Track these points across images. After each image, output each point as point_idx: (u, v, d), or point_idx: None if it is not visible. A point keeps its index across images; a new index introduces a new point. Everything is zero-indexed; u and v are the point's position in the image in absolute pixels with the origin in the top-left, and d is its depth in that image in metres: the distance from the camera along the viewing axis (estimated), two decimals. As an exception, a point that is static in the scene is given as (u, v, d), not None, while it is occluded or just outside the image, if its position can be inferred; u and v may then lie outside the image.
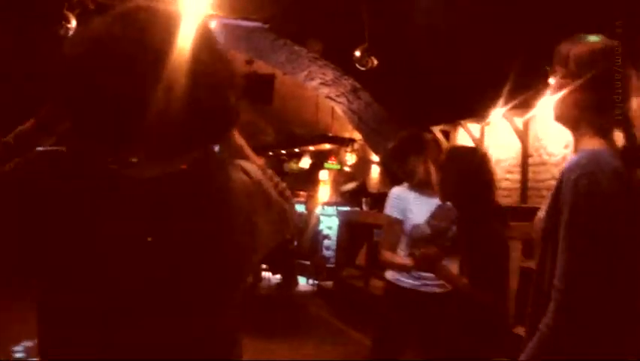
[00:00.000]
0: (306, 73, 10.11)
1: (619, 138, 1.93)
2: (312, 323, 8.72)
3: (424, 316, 3.81)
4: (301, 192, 13.76)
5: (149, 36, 1.15)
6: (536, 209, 5.92)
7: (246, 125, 10.31)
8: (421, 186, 3.91)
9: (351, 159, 13.95)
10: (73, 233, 1.17)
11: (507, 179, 8.57)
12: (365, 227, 9.38)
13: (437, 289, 3.73)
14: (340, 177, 14.65)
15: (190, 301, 1.24)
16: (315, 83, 10.39)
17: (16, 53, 8.20)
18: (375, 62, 7.67)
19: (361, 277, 9.16)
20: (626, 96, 1.89)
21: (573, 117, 1.96)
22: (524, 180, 8.03)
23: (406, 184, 4.01)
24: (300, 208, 11.78)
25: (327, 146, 14.64)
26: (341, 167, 14.45)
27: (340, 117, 12.11)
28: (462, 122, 9.47)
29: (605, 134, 1.90)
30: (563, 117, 2.00)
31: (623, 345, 1.78)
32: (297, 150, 16.12)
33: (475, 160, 3.17)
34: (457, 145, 3.34)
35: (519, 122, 8.10)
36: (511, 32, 6.82)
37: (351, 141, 13.65)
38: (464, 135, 9.73)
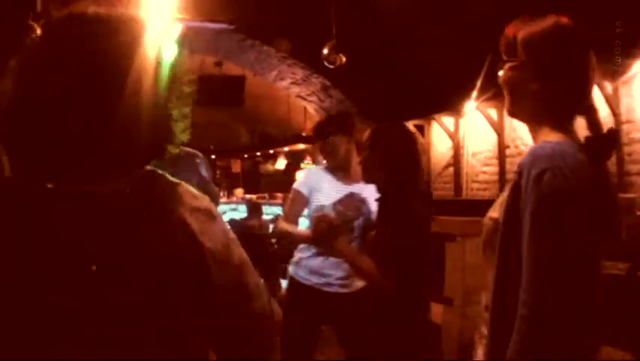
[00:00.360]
0: (275, 73, 9.99)
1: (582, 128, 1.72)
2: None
3: (328, 318, 3.65)
4: (278, 194, 13.60)
5: (88, 48, 1.09)
6: None
7: (219, 127, 10.27)
8: (338, 170, 3.69)
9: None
10: (9, 259, 1.06)
11: (484, 172, 8.50)
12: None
13: (342, 290, 3.55)
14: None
15: (140, 335, 1.12)
16: (285, 82, 10.28)
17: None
18: (344, 59, 7.54)
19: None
20: (586, 81, 1.67)
21: (528, 111, 1.71)
22: (502, 172, 7.96)
23: (324, 164, 3.82)
24: (277, 210, 11.62)
25: (301, 146, 14.51)
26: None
27: (313, 116, 12.00)
28: (436, 116, 9.40)
29: (566, 126, 1.66)
30: (516, 112, 1.75)
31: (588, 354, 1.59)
32: (271, 151, 15.97)
33: (401, 139, 2.93)
34: (383, 124, 3.04)
35: (493, 113, 8.03)
36: (483, 23, 6.72)
37: (326, 139, 13.52)
38: (438, 129, 9.67)
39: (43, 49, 1.11)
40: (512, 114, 1.77)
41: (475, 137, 8.69)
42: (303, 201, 3.71)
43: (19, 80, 1.10)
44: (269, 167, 16.88)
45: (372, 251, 2.77)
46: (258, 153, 16.46)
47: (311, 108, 11.08)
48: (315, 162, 14.40)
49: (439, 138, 9.85)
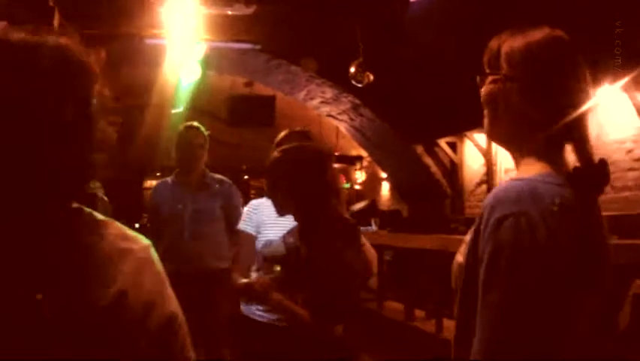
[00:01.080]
0: (305, 92, 9.91)
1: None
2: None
3: (284, 353, 3.40)
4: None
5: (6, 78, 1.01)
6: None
7: (251, 147, 10.20)
8: None
9: (360, 176, 13.69)
10: None
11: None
12: (375, 248, 9.06)
13: None
14: (351, 196, 14.37)
15: None
16: (315, 102, 10.19)
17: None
18: (372, 77, 7.42)
19: (374, 300, 8.86)
20: (576, 101, 1.42)
21: (508, 133, 1.48)
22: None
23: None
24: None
25: (334, 165, 14.39)
26: (351, 185, 14.18)
27: (345, 135, 11.88)
28: (468, 133, 9.21)
29: (552, 155, 1.43)
30: (495, 133, 1.52)
31: None
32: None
33: (304, 159, 2.62)
34: (283, 151, 2.67)
35: None
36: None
37: (359, 158, 13.40)
38: (471, 146, 9.48)
39: None
40: (490, 136, 1.56)
41: (507, 153, 8.48)
42: (252, 241, 3.36)
43: None
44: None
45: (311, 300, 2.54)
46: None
47: (342, 127, 10.96)
48: (348, 180, 14.27)
49: (471, 155, 9.65)
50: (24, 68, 1.02)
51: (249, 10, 7.03)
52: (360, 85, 7.57)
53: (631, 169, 6.59)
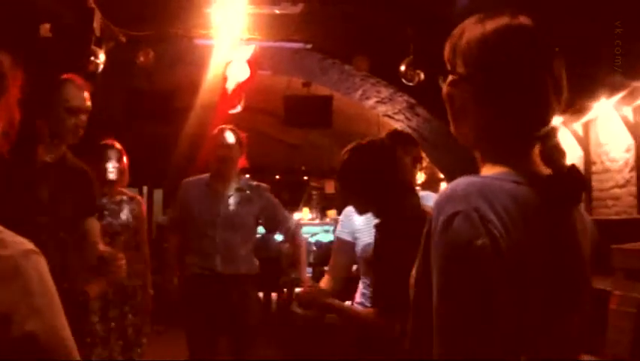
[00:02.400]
0: (360, 92, 9.78)
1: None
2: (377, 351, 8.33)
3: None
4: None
5: None
6: (603, 221, 5.29)
7: (310, 148, 10.20)
8: None
9: (420, 177, 13.45)
10: None
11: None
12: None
13: None
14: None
15: None
16: (371, 102, 10.05)
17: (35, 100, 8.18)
18: (422, 75, 7.25)
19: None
20: (544, 100, 1.27)
21: (469, 136, 1.35)
22: (589, 190, 7.41)
23: None
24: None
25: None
26: (411, 186, 13.98)
27: (403, 135, 11.69)
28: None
29: (515, 158, 1.28)
30: (458, 135, 1.40)
31: None
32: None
33: (370, 155, 2.68)
34: (352, 148, 2.71)
35: (578, 127, 7.51)
36: (563, 34, 6.30)
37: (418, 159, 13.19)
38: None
39: None
40: (456, 137, 1.42)
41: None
42: (349, 248, 3.49)
43: None
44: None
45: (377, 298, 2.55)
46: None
47: (399, 127, 10.79)
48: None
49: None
50: None
51: (297, 9, 6.96)
52: (411, 84, 7.43)
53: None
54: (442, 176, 11.95)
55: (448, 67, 1.37)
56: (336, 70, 9.06)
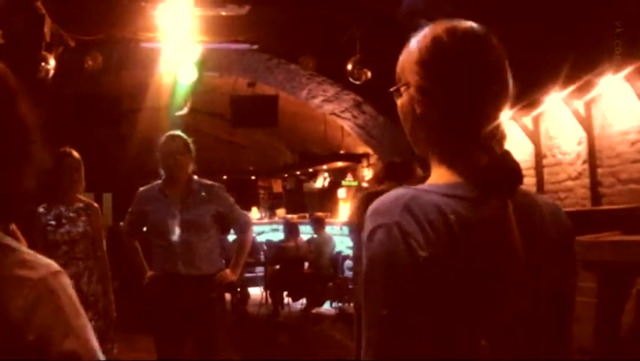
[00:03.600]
0: (306, 91, 9.83)
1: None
2: (333, 349, 8.44)
3: None
4: (320, 213, 13.43)
5: None
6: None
7: (257, 148, 10.19)
8: None
9: (368, 174, 13.60)
10: None
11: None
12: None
13: None
14: (358, 195, 14.30)
15: None
16: (317, 100, 10.10)
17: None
18: (369, 74, 7.34)
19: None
20: (477, 102, 1.29)
21: (420, 142, 1.36)
22: (540, 182, 7.60)
23: None
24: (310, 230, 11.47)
25: (340, 163, 14.34)
26: (359, 183, 14.10)
27: (350, 134, 11.80)
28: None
29: (458, 160, 1.29)
30: (413, 144, 1.39)
31: None
32: (310, 170, 15.84)
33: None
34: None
35: (528, 121, 7.69)
36: (512, 32, 6.45)
37: (365, 156, 13.31)
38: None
39: None
40: (414, 148, 1.41)
41: (510, 147, 8.36)
42: None
43: None
44: (312, 185, 16.76)
45: None
46: (298, 172, 16.34)
47: (346, 125, 10.87)
48: (356, 179, 14.19)
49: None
50: None
51: (243, 11, 6.97)
52: (358, 82, 7.51)
53: (636, 161, 6.46)
54: (389, 172, 12.09)
55: (399, 79, 1.38)
56: (282, 70, 9.10)
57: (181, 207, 4.48)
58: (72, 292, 1.05)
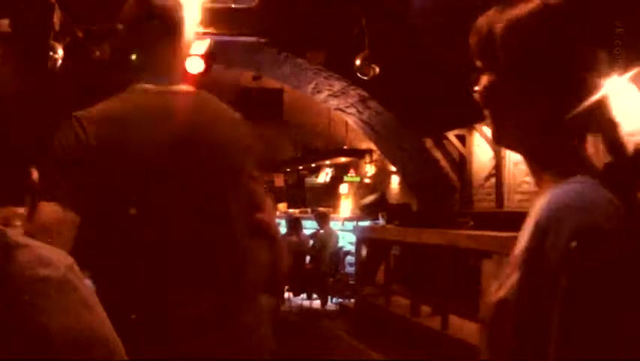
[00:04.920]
0: (312, 86, 9.83)
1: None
2: (333, 344, 8.41)
3: None
4: (321, 208, 13.44)
5: None
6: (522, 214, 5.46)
7: (265, 141, 10.16)
8: None
9: (370, 170, 13.60)
10: None
11: (526, 182, 8.19)
12: (382, 243, 9.01)
13: None
14: (361, 190, 14.30)
15: None
16: (323, 95, 10.11)
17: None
18: (377, 69, 7.34)
19: (381, 295, 8.80)
20: (591, 84, 1.11)
21: (518, 136, 1.19)
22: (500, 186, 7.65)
23: None
24: (316, 225, 11.48)
25: (343, 159, 14.33)
26: (361, 179, 14.10)
27: (354, 129, 11.80)
28: (477, 125, 9.10)
29: (579, 154, 1.14)
30: (503, 137, 1.23)
31: None
32: (313, 165, 15.83)
33: None
34: None
35: (488, 130, 7.72)
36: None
37: (368, 152, 13.31)
38: (479, 139, 9.36)
39: None
40: (499, 141, 1.24)
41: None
42: None
43: None
44: (313, 180, 16.74)
45: None
46: (301, 167, 16.33)
47: (351, 121, 10.88)
48: (358, 174, 14.19)
49: (480, 148, 9.54)
50: None
51: (253, 3, 6.96)
52: (366, 77, 7.50)
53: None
54: (393, 169, 12.10)
55: (479, 62, 1.23)
56: (289, 63, 9.09)
57: None
58: (85, 281, 1.00)
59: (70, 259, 0.97)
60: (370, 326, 8.57)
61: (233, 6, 6.99)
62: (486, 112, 1.22)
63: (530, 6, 1.15)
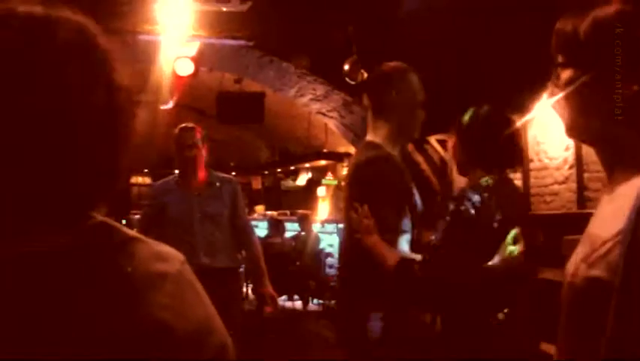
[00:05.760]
0: (295, 89, 9.90)
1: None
2: (317, 344, 8.47)
3: None
4: (299, 211, 13.51)
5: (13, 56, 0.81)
6: (541, 217, 5.52)
7: (238, 144, 10.22)
8: None
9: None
10: None
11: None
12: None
13: None
14: (339, 193, 14.40)
15: None
16: (305, 99, 10.18)
17: None
18: (366, 74, 7.44)
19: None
20: None
21: (599, 127, 1.25)
22: (526, 186, 7.78)
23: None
24: (297, 227, 11.54)
25: (322, 162, 14.42)
26: (338, 182, 14.20)
27: (334, 132, 11.89)
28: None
29: None
30: (582, 130, 1.32)
31: None
32: (292, 167, 15.90)
33: None
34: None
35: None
36: (504, 36, 6.61)
37: (347, 155, 13.42)
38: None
39: None
40: (573, 134, 1.34)
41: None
42: None
43: None
44: (290, 183, 16.81)
45: None
46: (279, 170, 16.40)
47: (332, 124, 10.96)
48: (335, 177, 14.29)
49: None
50: (40, 45, 0.83)
51: (244, 7, 7.02)
52: (353, 82, 7.60)
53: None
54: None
55: (562, 58, 1.30)
56: (273, 67, 9.15)
57: (199, 199, 4.50)
58: None
59: (181, 255, 0.94)
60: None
61: (224, 9, 7.04)
62: (566, 102, 1.30)
63: (612, 8, 1.22)
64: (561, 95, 1.30)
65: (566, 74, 1.28)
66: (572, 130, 1.33)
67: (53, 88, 0.81)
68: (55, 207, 0.83)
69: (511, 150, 2.74)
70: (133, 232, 0.91)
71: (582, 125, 1.30)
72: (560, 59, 1.30)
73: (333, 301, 10.32)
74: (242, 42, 7.95)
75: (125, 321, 0.82)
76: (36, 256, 0.80)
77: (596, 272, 1.14)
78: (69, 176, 0.83)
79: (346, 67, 7.52)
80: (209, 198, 4.53)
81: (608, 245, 1.13)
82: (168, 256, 0.92)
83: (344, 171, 13.83)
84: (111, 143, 0.88)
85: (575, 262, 1.24)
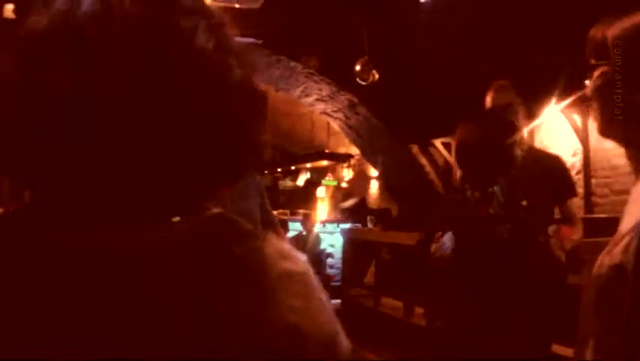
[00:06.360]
0: (301, 89, 9.90)
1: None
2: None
3: None
4: (301, 211, 13.50)
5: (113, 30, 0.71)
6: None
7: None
8: None
9: (348, 174, 13.72)
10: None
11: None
12: (372, 244, 9.13)
13: None
14: (338, 194, 14.41)
15: None
16: (310, 99, 10.17)
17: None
18: (377, 75, 7.46)
19: (371, 296, 8.90)
20: None
21: (625, 129, 1.30)
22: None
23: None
24: (298, 226, 11.54)
25: (324, 162, 14.42)
26: (338, 183, 14.21)
27: (336, 133, 11.89)
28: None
29: None
30: (611, 131, 1.35)
31: None
32: (293, 167, 15.89)
33: None
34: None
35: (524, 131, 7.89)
36: (513, 41, 6.63)
37: (348, 156, 13.44)
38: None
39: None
40: (604, 133, 1.35)
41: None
42: None
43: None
44: (287, 183, 16.80)
45: None
46: (279, 170, 16.39)
47: (336, 125, 10.96)
48: (335, 178, 14.30)
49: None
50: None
51: (257, 4, 7.00)
52: (364, 83, 7.60)
53: (631, 173, 6.68)
54: (372, 174, 12.21)
55: (593, 61, 1.35)
56: (280, 66, 9.14)
57: (232, 199, 4.41)
58: None
59: (304, 258, 0.85)
60: (360, 326, 8.65)
61: (237, 6, 7.02)
62: (595, 104, 1.34)
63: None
64: (593, 97, 1.35)
65: (597, 77, 1.33)
66: (603, 131, 1.36)
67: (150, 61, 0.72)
68: (163, 195, 0.76)
69: None
70: (250, 226, 0.81)
71: (611, 126, 1.33)
72: (591, 61, 1.34)
73: (337, 301, 10.32)
74: (251, 40, 7.92)
75: (254, 323, 0.75)
76: (157, 247, 0.74)
77: (617, 260, 1.18)
78: (207, 157, 0.78)
79: (357, 67, 7.51)
80: (242, 199, 4.51)
81: (627, 238, 1.18)
82: (292, 255, 0.83)
83: (344, 172, 13.84)
84: (249, 126, 0.84)
85: (600, 258, 1.27)
